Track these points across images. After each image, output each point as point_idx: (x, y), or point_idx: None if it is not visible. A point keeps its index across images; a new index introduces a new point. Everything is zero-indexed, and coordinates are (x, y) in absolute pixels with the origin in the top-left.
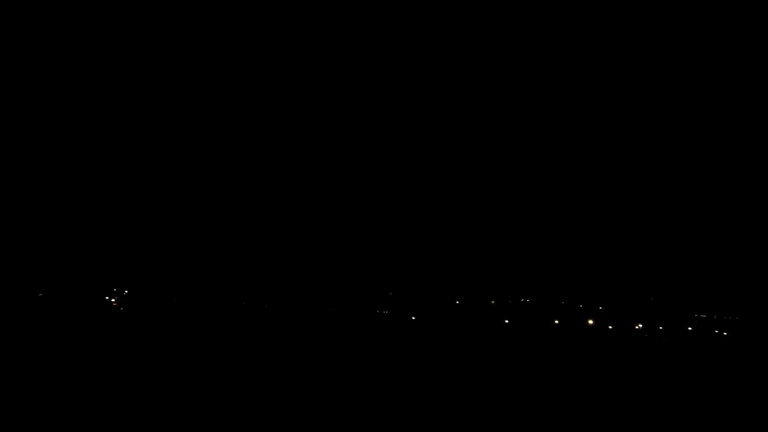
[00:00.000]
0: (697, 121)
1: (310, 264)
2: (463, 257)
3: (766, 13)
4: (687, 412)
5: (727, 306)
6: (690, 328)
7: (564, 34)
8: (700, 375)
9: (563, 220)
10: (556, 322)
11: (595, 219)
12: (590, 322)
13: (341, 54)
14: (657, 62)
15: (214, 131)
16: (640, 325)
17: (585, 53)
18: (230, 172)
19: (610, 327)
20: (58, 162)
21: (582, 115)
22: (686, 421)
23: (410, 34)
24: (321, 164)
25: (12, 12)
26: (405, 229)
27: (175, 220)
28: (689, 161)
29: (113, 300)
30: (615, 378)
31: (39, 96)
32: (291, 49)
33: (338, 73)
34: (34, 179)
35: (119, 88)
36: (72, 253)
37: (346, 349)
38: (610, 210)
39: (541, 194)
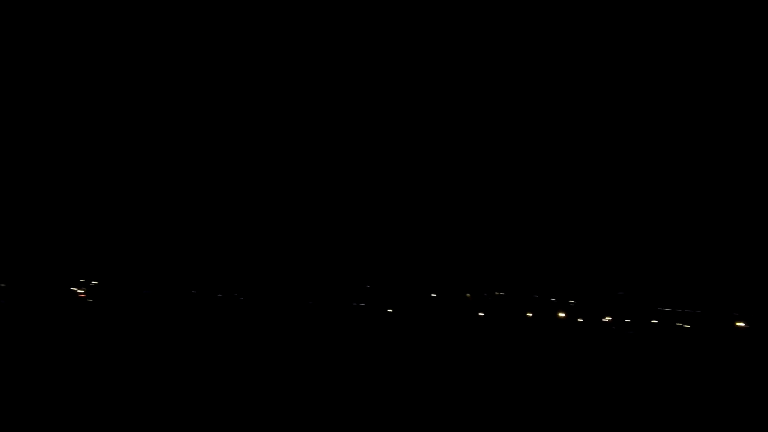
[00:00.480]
0: (666, 115)
1: (285, 255)
2: (439, 251)
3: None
4: (652, 402)
5: (689, 300)
6: (654, 321)
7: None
8: (663, 366)
9: (536, 217)
10: (529, 314)
11: (567, 216)
12: (561, 315)
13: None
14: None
15: (180, 115)
16: (609, 318)
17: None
18: (198, 160)
19: (581, 320)
20: (17, 146)
21: (554, 110)
22: (652, 411)
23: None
24: (291, 154)
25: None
26: (381, 222)
27: (145, 208)
28: (655, 159)
29: (81, 291)
30: (585, 369)
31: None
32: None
33: (302, 58)
34: None
35: (90, 72)
36: (36, 243)
37: (323, 340)
38: (581, 208)
39: (514, 190)
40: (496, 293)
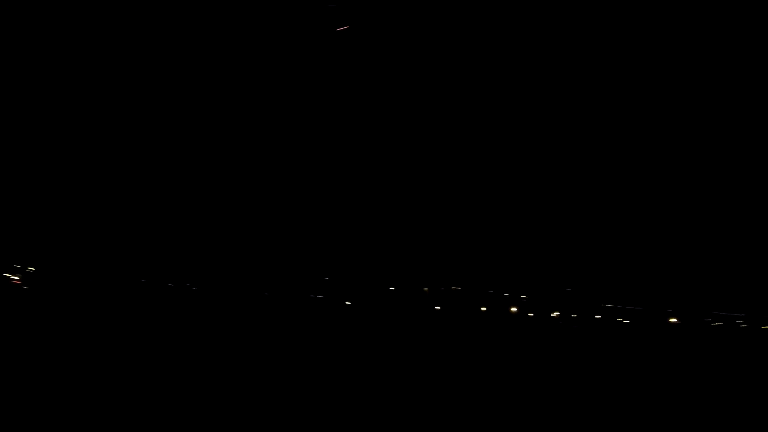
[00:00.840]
0: (621, 113)
1: (242, 246)
2: (398, 245)
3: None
4: (595, 394)
5: (632, 297)
6: (598, 317)
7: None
8: (606, 359)
9: (492, 214)
10: (483, 309)
11: (520, 215)
12: (513, 309)
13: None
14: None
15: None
16: (557, 313)
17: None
18: (145, 141)
19: (531, 314)
20: None
21: (515, 108)
22: (595, 402)
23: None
24: (247, 145)
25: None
26: (340, 214)
27: (88, 190)
28: (603, 162)
29: (16, 278)
30: (535, 361)
31: None
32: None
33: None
34: None
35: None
36: None
37: (279, 332)
38: (535, 209)
39: (471, 188)
40: (453, 288)
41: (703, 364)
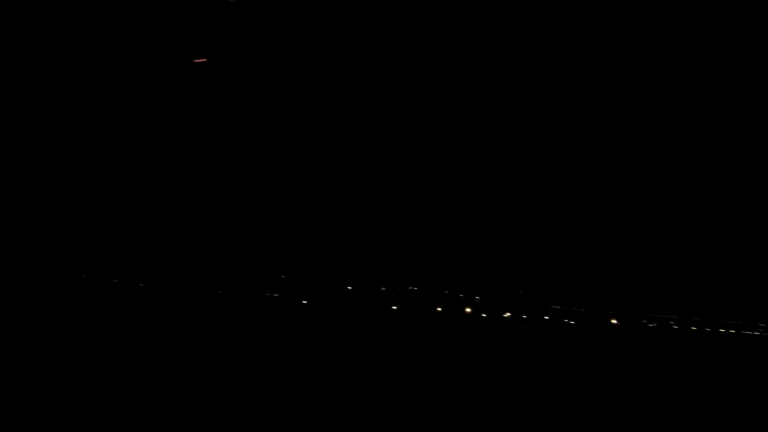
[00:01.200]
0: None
1: (194, 241)
2: (355, 245)
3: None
4: (544, 392)
5: (575, 300)
6: (546, 318)
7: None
8: (554, 358)
9: (449, 216)
10: (439, 309)
11: (475, 218)
12: (468, 310)
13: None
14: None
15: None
16: (509, 314)
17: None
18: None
19: (484, 315)
20: None
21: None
22: (544, 400)
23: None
24: (194, 140)
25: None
26: (297, 211)
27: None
28: (552, 165)
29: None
30: (488, 360)
31: None
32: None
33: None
34: None
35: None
36: None
37: (232, 332)
38: (489, 212)
39: (428, 189)
40: (410, 288)
41: (638, 364)
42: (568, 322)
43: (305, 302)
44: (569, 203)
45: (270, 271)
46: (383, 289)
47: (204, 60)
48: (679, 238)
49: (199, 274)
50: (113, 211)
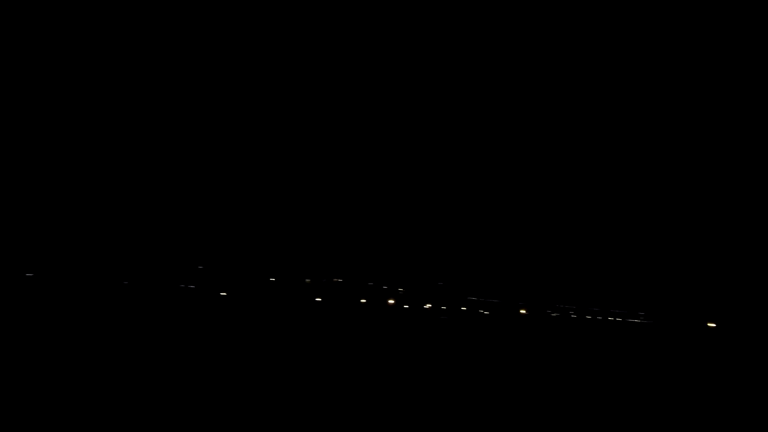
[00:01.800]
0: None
1: (105, 230)
2: (279, 235)
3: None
4: (465, 380)
5: (491, 291)
6: (463, 308)
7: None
8: (469, 346)
9: (373, 209)
10: (363, 301)
11: (399, 212)
12: (391, 301)
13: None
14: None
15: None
16: (429, 305)
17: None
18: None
19: (406, 306)
20: None
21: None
22: (463, 390)
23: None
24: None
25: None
26: (215, 199)
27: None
28: (471, 163)
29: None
30: (411, 350)
31: None
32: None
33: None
34: None
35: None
36: None
37: (144, 325)
38: (415, 206)
39: (352, 180)
40: (334, 280)
41: (543, 350)
42: (483, 313)
43: (224, 294)
44: (484, 202)
45: (185, 262)
46: (307, 280)
47: None
48: (575, 239)
49: (107, 263)
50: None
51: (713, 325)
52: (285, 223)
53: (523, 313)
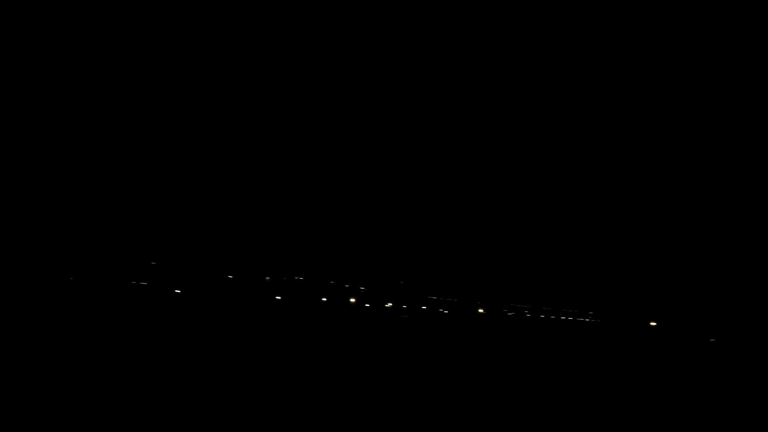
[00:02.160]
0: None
1: (56, 226)
2: (238, 232)
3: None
4: (426, 378)
5: (450, 291)
6: (423, 307)
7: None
8: (429, 345)
9: (335, 207)
10: (324, 299)
11: (361, 211)
12: (352, 300)
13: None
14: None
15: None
16: (390, 304)
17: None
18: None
19: (368, 305)
20: None
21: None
22: (424, 387)
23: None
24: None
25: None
26: (175, 195)
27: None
28: (439, 164)
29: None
30: (372, 349)
31: None
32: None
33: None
34: None
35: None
36: None
37: (90, 324)
38: (374, 204)
39: (316, 178)
40: (295, 278)
41: (500, 347)
42: (443, 312)
43: (178, 291)
44: (446, 202)
45: (137, 257)
46: (267, 278)
47: None
48: (534, 239)
49: (52, 259)
50: None
51: (654, 323)
52: (245, 219)
53: (480, 312)
